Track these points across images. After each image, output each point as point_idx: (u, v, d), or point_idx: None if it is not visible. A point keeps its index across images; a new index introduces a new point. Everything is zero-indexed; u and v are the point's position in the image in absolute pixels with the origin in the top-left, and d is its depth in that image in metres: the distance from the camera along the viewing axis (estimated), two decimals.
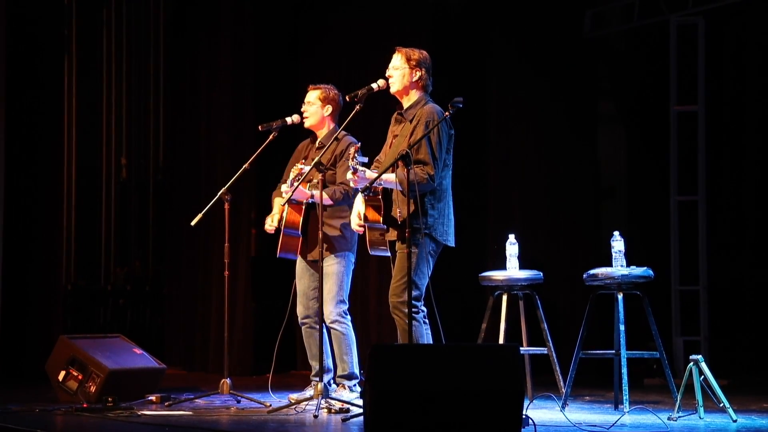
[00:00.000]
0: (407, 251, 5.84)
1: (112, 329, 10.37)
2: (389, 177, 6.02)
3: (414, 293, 5.98)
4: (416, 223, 5.95)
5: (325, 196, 6.48)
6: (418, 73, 6.26)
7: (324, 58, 9.81)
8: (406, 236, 5.84)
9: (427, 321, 6.12)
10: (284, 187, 6.73)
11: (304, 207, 6.75)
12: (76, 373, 6.92)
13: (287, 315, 6.84)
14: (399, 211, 6.02)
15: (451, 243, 6.21)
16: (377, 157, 6.42)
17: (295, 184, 6.58)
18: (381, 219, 6.12)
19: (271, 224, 6.88)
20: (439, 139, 6.08)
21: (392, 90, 6.30)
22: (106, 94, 11.37)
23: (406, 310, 5.94)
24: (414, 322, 5.96)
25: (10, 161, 9.19)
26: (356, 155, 5.99)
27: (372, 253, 6.30)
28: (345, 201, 6.66)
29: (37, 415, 6.25)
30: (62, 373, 6.96)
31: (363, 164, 6.05)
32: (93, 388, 6.83)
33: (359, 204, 6.22)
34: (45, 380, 7.19)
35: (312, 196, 6.65)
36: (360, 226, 6.22)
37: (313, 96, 6.95)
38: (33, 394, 7.31)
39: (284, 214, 6.77)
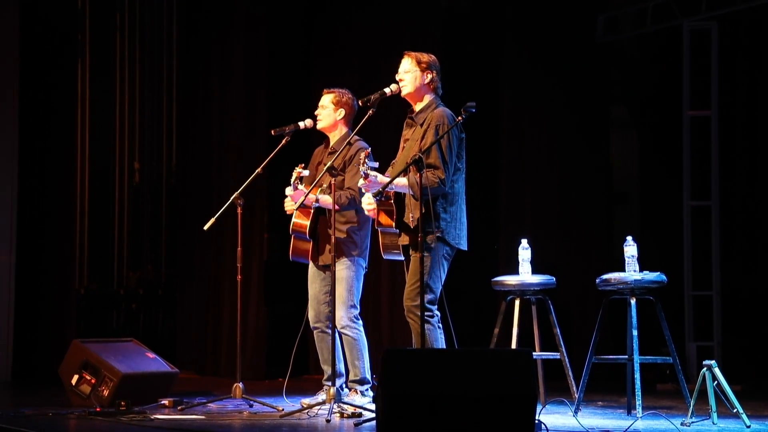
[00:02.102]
0: (420, 255, 5.85)
1: (124, 333, 10.38)
2: (401, 181, 6.03)
3: (429, 297, 5.99)
4: (429, 227, 5.95)
5: (329, 200, 6.48)
6: (430, 76, 6.27)
7: (336, 63, 9.82)
8: (418, 241, 5.85)
9: (441, 325, 6.12)
10: (288, 190, 6.73)
11: (312, 211, 6.75)
12: (89, 377, 6.93)
13: (305, 319, 6.85)
14: (411, 216, 6.02)
15: (464, 247, 6.21)
16: (393, 162, 6.42)
17: (300, 186, 6.60)
18: (394, 224, 6.12)
19: (288, 200, 6.80)
20: (449, 143, 6.08)
21: (404, 93, 6.30)
22: (119, 99, 11.38)
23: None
24: (428, 326, 5.96)
25: (24, 165, 9.23)
26: (367, 160, 5.99)
27: (385, 257, 6.31)
28: (351, 206, 6.65)
29: (50, 419, 6.26)
30: (75, 377, 6.97)
31: (374, 169, 6.05)
32: (106, 392, 6.84)
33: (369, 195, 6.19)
34: (58, 384, 7.20)
35: (317, 200, 6.66)
36: (369, 205, 6.19)
37: (326, 99, 6.96)
38: (46, 398, 7.33)
39: (293, 218, 6.78)
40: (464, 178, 6.23)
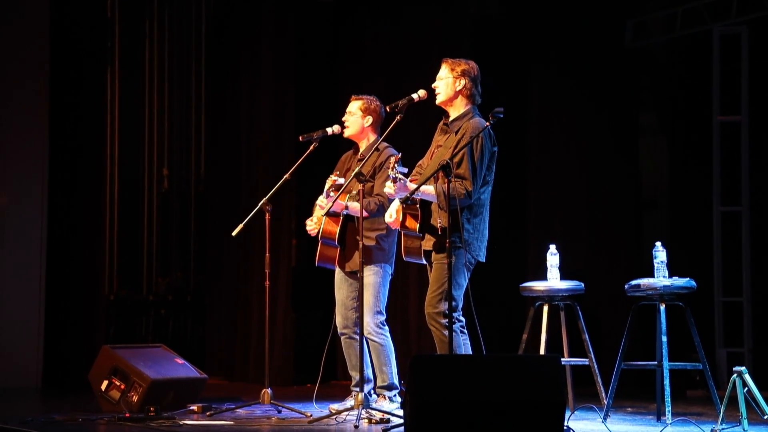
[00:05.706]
0: (446, 261, 5.83)
1: (154, 339, 10.43)
2: (428, 189, 6.01)
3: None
4: (453, 237, 5.92)
5: (358, 207, 6.48)
6: (462, 82, 6.22)
7: (364, 69, 9.83)
8: (445, 245, 5.83)
9: (464, 331, 6.11)
10: (321, 198, 6.75)
11: (341, 218, 6.76)
12: (118, 383, 6.95)
13: (333, 325, 6.85)
14: (440, 221, 6.01)
15: (483, 258, 6.18)
16: (419, 162, 6.41)
17: (332, 194, 6.61)
18: (417, 227, 6.12)
19: (312, 224, 6.85)
20: (481, 155, 6.05)
21: (438, 101, 6.28)
22: (148, 106, 11.45)
23: (443, 321, 5.95)
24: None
25: (54, 172, 9.28)
26: (396, 165, 5.99)
27: (406, 259, 6.30)
28: (380, 213, 6.64)
29: (80, 424, 6.31)
30: (105, 383, 6.99)
31: (403, 174, 6.05)
32: (135, 398, 6.86)
33: (395, 205, 6.19)
34: (88, 390, 7.23)
35: (347, 207, 6.67)
36: (391, 217, 6.19)
37: (354, 106, 6.97)
38: (76, 404, 7.38)
39: (322, 225, 6.79)
40: (491, 191, 6.20)
